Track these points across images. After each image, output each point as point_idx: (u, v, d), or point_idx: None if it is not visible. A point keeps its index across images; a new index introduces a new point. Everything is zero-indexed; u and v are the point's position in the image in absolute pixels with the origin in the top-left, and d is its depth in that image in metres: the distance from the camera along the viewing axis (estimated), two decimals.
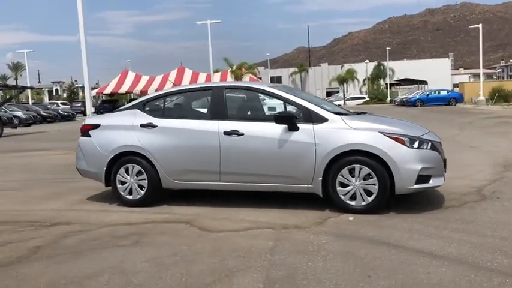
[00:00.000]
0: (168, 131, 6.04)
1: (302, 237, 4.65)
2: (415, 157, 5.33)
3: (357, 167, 5.37)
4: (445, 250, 4.14)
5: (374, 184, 5.33)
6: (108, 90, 44.70)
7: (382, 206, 5.40)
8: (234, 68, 43.25)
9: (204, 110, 6.33)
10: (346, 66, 74.58)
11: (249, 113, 6.37)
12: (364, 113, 6.42)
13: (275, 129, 5.63)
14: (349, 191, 5.43)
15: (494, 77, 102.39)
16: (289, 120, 5.58)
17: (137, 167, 6.13)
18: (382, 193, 5.33)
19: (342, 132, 5.46)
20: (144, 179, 6.11)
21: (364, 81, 68.21)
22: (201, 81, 46.22)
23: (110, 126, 6.39)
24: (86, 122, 6.65)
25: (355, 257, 4.05)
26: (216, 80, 41.08)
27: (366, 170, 5.34)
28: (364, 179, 5.37)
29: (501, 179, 7.24)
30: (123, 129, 6.25)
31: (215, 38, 37.04)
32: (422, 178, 5.34)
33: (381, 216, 5.30)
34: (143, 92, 47.06)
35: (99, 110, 48.82)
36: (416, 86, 63.23)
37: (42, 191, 7.61)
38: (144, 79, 46.80)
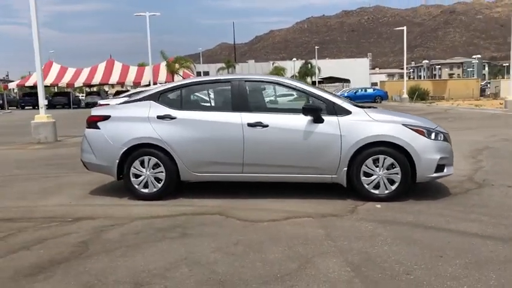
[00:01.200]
0: (188, 123, 5.95)
1: (348, 225, 4.83)
2: (434, 147, 5.71)
3: (381, 157, 5.65)
4: (486, 231, 4.51)
5: (397, 173, 5.65)
6: (30, 83, 42.10)
7: (403, 193, 5.74)
8: (170, 61, 42.48)
9: (224, 102, 6.30)
10: (276, 64, 75.93)
11: (270, 105, 6.43)
12: (375, 107, 6.73)
13: (300, 121, 5.76)
14: (373, 180, 5.70)
15: (411, 77, 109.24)
16: (316, 113, 5.73)
17: (154, 160, 5.97)
18: (404, 182, 5.66)
19: (367, 124, 5.71)
20: (161, 172, 5.97)
21: (291, 78, 69.87)
22: (132, 74, 45.02)
23: (122, 118, 6.15)
24: (93, 114, 6.33)
25: (413, 240, 4.30)
26: (148, 72, 40.03)
27: (389, 160, 5.64)
28: (387, 169, 5.66)
29: (480, 168, 7.91)
30: (137, 121, 6.05)
31: (139, 31, 36.08)
32: (439, 167, 5.74)
33: (404, 203, 5.62)
34: (69, 85, 44.92)
35: (21, 103, 46.01)
36: (341, 84, 65.94)
37: (31, 187, 7.15)
38: (71, 71, 44.67)
